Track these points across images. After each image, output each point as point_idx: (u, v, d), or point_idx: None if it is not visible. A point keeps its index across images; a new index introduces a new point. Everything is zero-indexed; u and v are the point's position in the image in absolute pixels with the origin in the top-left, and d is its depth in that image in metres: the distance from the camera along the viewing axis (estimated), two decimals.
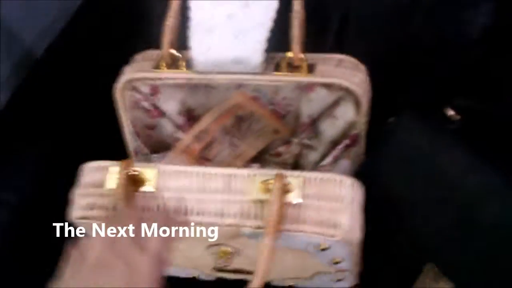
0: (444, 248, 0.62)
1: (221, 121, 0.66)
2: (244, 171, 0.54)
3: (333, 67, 0.61)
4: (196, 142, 0.68)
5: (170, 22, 0.62)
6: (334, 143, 0.65)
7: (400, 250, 0.65)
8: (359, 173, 0.64)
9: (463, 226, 0.59)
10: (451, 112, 0.61)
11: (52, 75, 0.72)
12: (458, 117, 0.61)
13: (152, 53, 0.66)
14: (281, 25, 0.60)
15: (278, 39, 0.61)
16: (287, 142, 0.68)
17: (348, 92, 0.60)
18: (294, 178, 0.52)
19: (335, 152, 0.65)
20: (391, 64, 0.69)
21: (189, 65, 0.62)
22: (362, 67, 0.62)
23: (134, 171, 0.54)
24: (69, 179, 0.58)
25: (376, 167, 0.66)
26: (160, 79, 0.64)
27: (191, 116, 0.69)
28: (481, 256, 0.59)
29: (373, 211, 0.62)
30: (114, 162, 0.56)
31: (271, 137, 0.67)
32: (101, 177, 0.56)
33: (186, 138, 0.68)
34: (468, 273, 0.60)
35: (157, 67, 0.63)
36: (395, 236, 0.66)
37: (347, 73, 0.60)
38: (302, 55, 0.59)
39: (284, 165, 0.69)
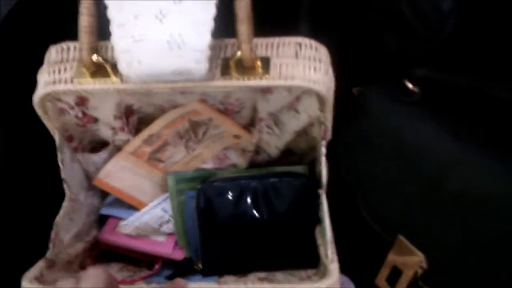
0: (413, 219, 0.61)
1: (173, 126, 0.57)
2: None
3: (292, 59, 0.51)
4: (145, 145, 0.60)
5: (85, 21, 0.49)
6: (299, 134, 0.58)
7: (367, 228, 0.64)
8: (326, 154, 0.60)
9: (430, 196, 0.58)
10: (410, 85, 0.58)
11: None
12: (416, 89, 0.58)
13: (70, 47, 0.54)
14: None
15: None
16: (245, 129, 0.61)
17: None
18: None
19: None
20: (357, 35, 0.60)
21: (118, 72, 0.51)
22: (323, 52, 0.52)
23: None
24: None
25: (341, 145, 0.63)
26: (85, 90, 0.53)
27: (130, 113, 0.59)
28: (449, 224, 0.59)
29: (338, 190, 0.59)
30: None
31: (231, 141, 0.59)
32: None
33: (134, 141, 0.59)
34: (438, 242, 0.60)
35: (79, 75, 0.52)
36: (360, 214, 0.65)
37: (307, 66, 0.51)
38: (253, 55, 0.49)
39: (245, 150, 0.63)
